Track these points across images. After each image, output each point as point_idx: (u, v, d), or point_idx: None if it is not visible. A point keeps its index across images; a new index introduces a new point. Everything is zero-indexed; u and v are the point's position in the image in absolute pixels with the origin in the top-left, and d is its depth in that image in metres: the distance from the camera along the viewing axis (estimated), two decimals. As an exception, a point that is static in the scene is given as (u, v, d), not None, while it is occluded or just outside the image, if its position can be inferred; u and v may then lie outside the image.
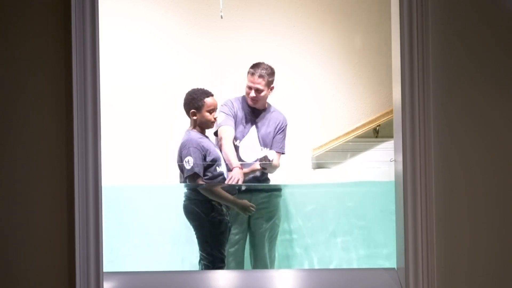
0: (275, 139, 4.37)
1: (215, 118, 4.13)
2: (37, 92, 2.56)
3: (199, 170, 4.01)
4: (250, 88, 4.30)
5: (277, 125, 4.38)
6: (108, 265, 2.75)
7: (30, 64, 2.56)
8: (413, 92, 2.61)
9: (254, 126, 4.36)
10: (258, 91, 4.28)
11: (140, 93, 5.41)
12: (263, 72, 4.28)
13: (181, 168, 4.06)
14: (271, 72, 4.32)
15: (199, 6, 5.46)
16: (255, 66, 4.32)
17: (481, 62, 2.61)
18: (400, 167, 2.68)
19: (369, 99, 5.55)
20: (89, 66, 2.56)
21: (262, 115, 4.38)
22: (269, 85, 4.31)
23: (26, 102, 2.56)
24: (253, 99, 4.29)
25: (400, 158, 2.68)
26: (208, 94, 4.11)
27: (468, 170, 2.61)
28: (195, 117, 4.09)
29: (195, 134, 4.08)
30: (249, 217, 4.26)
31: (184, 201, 4.11)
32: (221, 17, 4.96)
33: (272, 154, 4.26)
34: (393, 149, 2.88)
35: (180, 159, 4.04)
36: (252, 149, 4.33)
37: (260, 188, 4.26)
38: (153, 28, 5.43)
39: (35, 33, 2.56)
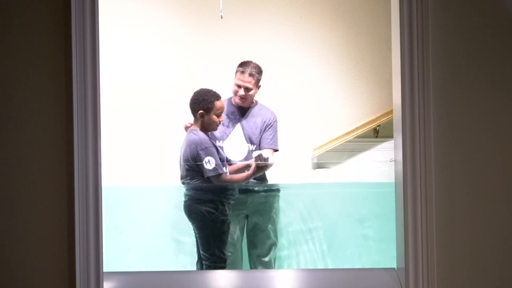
0: (264, 136, 4.34)
1: (220, 121, 4.15)
2: (37, 92, 2.56)
3: (221, 169, 4.06)
4: (239, 86, 4.29)
5: (264, 121, 4.35)
6: (108, 265, 2.75)
7: (30, 64, 2.56)
8: (413, 92, 2.61)
9: (239, 124, 4.35)
10: (247, 89, 4.28)
11: (140, 93, 5.41)
12: (253, 71, 4.28)
13: (193, 167, 4.06)
14: (260, 71, 4.32)
15: (199, 6, 5.46)
16: (244, 64, 4.30)
17: (481, 62, 2.61)
18: (400, 167, 2.68)
19: (369, 99, 5.55)
20: (89, 66, 2.56)
21: (247, 113, 4.36)
22: (257, 83, 4.32)
23: (26, 102, 2.56)
24: (241, 97, 4.29)
25: (400, 158, 2.68)
26: (218, 97, 4.14)
27: (468, 170, 2.61)
28: (202, 118, 4.10)
29: (203, 135, 4.10)
30: (247, 218, 4.25)
31: (186, 201, 4.11)
32: (221, 17, 4.96)
33: (266, 153, 4.25)
34: (393, 149, 2.88)
35: (194, 159, 4.04)
36: (238, 148, 4.31)
37: (257, 189, 4.25)
38: (153, 28, 5.43)
39: (35, 33, 2.56)
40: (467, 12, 2.60)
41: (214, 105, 4.10)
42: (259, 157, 4.13)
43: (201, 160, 4.03)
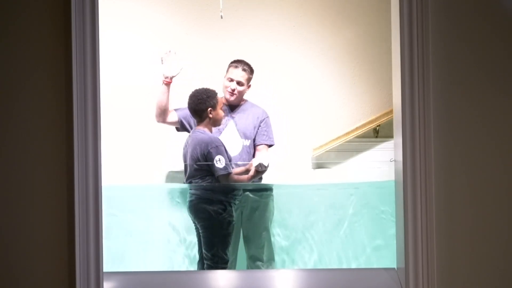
0: (259, 132, 4.43)
1: (224, 115, 4.21)
2: (37, 92, 2.56)
3: (230, 168, 4.08)
4: (231, 80, 4.37)
5: (258, 117, 4.45)
6: (108, 265, 2.75)
7: (30, 64, 2.56)
8: (413, 92, 2.61)
9: (232, 120, 4.42)
10: (239, 83, 4.36)
11: (140, 93, 5.40)
12: (246, 67, 4.42)
13: (203, 166, 4.05)
14: (252, 70, 4.45)
15: (199, 6, 5.45)
16: (237, 61, 4.45)
17: (481, 61, 2.61)
18: (400, 167, 2.68)
19: (369, 99, 5.55)
20: (89, 66, 2.56)
21: (239, 109, 4.44)
22: (249, 81, 4.43)
23: (26, 102, 2.56)
24: (232, 92, 4.35)
25: (400, 158, 2.68)
26: (216, 92, 4.20)
27: (468, 170, 2.61)
28: (211, 115, 4.11)
29: (211, 133, 4.11)
30: (242, 215, 4.24)
31: (192, 200, 4.07)
32: (221, 17, 4.96)
33: (265, 159, 4.27)
34: (393, 149, 2.88)
35: (204, 158, 4.04)
36: (233, 142, 4.35)
37: (250, 188, 4.27)
38: (153, 28, 5.42)
39: (35, 33, 2.56)
40: (467, 12, 2.60)
41: (218, 100, 4.15)
42: (260, 165, 4.15)
43: (212, 159, 4.02)
